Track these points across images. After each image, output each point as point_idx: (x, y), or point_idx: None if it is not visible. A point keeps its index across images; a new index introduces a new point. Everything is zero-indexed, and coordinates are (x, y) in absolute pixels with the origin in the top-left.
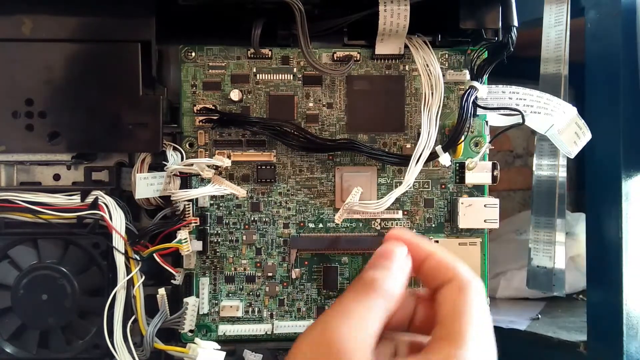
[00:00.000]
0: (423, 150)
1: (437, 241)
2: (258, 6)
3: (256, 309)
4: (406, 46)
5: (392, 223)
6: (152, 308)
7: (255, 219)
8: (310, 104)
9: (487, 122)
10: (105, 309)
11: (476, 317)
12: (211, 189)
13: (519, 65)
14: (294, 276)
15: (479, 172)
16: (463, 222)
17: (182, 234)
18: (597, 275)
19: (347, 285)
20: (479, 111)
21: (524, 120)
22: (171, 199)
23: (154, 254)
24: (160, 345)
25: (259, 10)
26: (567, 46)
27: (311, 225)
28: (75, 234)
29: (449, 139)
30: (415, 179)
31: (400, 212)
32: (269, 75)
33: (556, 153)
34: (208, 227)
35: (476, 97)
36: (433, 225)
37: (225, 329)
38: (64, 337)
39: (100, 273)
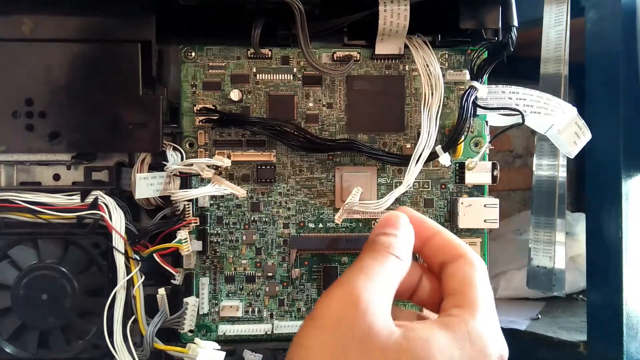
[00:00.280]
0: (423, 150)
1: None
2: (258, 6)
3: (256, 309)
4: (406, 46)
5: None
6: (152, 308)
7: (255, 219)
8: (310, 104)
9: (487, 122)
10: (105, 309)
11: (487, 289)
12: (211, 189)
13: (519, 65)
14: (294, 276)
15: (479, 172)
16: (463, 222)
17: (182, 234)
18: (597, 275)
19: None
20: (479, 111)
21: (524, 120)
22: (171, 199)
23: (154, 254)
24: (160, 345)
25: (259, 10)
26: (567, 46)
27: (311, 225)
28: (75, 234)
29: (449, 139)
30: (415, 179)
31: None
32: (269, 75)
33: (556, 153)
34: (208, 227)
35: (476, 97)
36: None
37: (225, 329)
38: (64, 337)
39: (100, 273)
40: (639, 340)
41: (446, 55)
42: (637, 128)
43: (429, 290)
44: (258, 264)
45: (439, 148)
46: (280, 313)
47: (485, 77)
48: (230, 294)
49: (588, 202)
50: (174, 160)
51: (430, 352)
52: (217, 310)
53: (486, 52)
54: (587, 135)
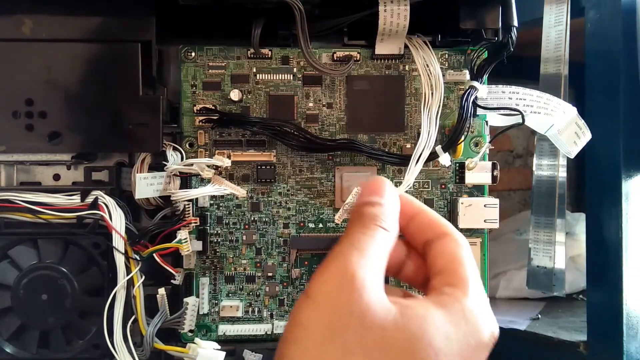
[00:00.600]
0: (423, 150)
1: None
2: (258, 6)
3: (256, 309)
4: (406, 46)
5: None
6: (152, 308)
7: (255, 219)
8: (310, 104)
9: (487, 122)
10: (105, 309)
11: (475, 267)
12: (211, 189)
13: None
14: (294, 276)
15: (479, 172)
16: (463, 222)
17: (182, 234)
18: (597, 275)
19: None
20: (479, 111)
21: (524, 120)
22: (171, 199)
23: (154, 254)
24: (160, 345)
25: (259, 10)
26: (567, 46)
27: (311, 225)
28: (75, 234)
29: (449, 139)
30: (415, 179)
31: None
32: (269, 75)
33: (556, 153)
34: (208, 227)
35: (476, 97)
36: None
37: (225, 329)
38: (64, 337)
39: (100, 273)
40: (639, 340)
41: (446, 55)
42: (637, 128)
43: (414, 268)
44: (258, 264)
45: (439, 148)
46: (280, 313)
47: (485, 77)
48: (230, 294)
49: (588, 202)
50: (174, 160)
51: (427, 331)
52: (217, 310)
53: (486, 52)
54: (587, 135)
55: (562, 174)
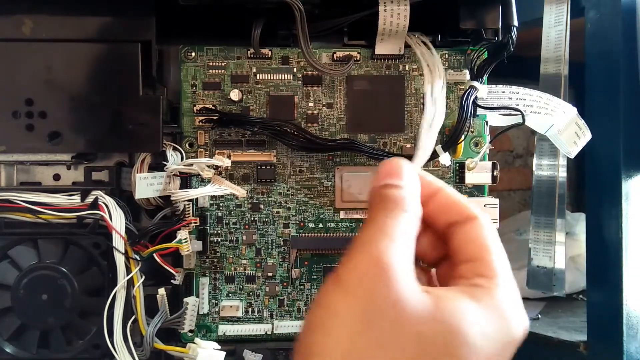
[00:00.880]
0: (433, 117)
1: None
2: (258, 6)
3: (256, 309)
4: (406, 46)
5: None
6: (152, 308)
7: (255, 219)
8: (310, 104)
9: (487, 122)
10: (105, 309)
11: (504, 254)
12: (211, 189)
13: (519, 65)
14: (294, 276)
15: (479, 172)
16: None
17: (182, 234)
18: (597, 275)
19: None
20: (479, 111)
21: (524, 120)
22: (171, 199)
23: (154, 254)
24: (160, 345)
25: (259, 10)
26: (567, 46)
27: (311, 225)
28: (75, 234)
29: (449, 138)
30: None
31: None
32: (269, 75)
33: (556, 153)
34: (208, 227)
35: (476, 97)
36: None
37: (225, 329)
38: (64, 337)
39: (100, 273)
40: (639, 340)
41: (446, 55)
42: (637, 128)
43: (428, 246)
44: (258, 264)
45: (439, 148)
46: (280, 313)
47: (485, 77)
48: (230, 294)
49: (588, 202)
50: (174, 160)
51: (463, 326)
52: (217, 310)
53: (486, 52)
54: (587, 135)
55: (562, 174)
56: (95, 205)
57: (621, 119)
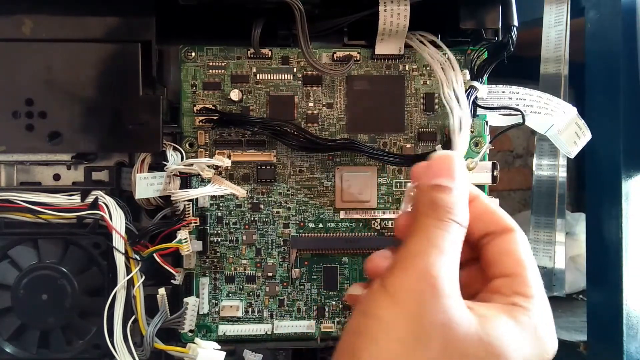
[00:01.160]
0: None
1: None
2: (258, 6)
3: (256, 309)
4: (406, 46)
5: (391, 223)
6: (152, 308)
7: (255, 219)
8: (310, 104)
9: (487, 122)
10: (105, 309)
11: (538, 271)
12: (211, 189)
13: (519, 65)
14: (294, 276)
15: (479, 172)
16: None
17: (182, 234)
18: (597, 275)
19: (347, 286)
20: (479, 111)
21: (524, 120)
22: (171, 199)
23: (154, 254)
24: (160, 345)
25: (259, 10)
26: (567, 46)
27: (311, 225)
28: (75, 234)
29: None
30: None
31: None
32: (269, 75)
33: (556, 153)
34: (208, 227)
35: (476, 97)
36: None
37: (225, 329)
38: (64, 337)
39: (100, 273)
40: (639, 340)
41: (446, 55)
42: (637, 128)
43: (467, 260)
44: (258, 264)
45: (439, 148)
46: (280, 313)
47: (485, 77)
48: (230, 294)
49: (588, 202)
50: (174, 160)
51: (507, 349)
52: (217, 310)
53: (486, 52)
54: (587, 135)
55: (562, 174)
56: (95, 205)
57: (621, 119)
